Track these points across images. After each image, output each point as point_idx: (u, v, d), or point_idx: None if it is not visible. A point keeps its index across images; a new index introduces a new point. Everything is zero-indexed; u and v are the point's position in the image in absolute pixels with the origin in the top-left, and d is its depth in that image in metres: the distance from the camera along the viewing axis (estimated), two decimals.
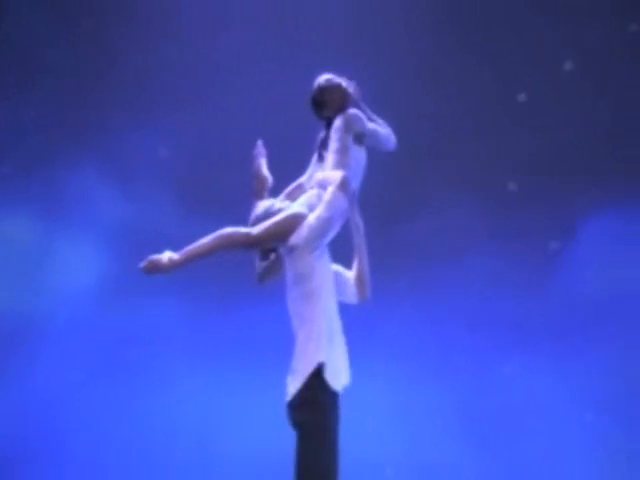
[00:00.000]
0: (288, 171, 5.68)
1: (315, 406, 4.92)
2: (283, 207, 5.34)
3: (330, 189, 5.20)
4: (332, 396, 4.97)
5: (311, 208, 5.24)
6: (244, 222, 5.48)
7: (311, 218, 5.17)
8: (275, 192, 5.65)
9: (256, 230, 5.18)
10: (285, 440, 4.96)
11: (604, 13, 8.91)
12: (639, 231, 8.79)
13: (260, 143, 5.77)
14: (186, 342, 8.61)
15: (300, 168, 5.69)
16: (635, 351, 8.53)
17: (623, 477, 8.33)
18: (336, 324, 5.11)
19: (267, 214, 5.31)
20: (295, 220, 5.21)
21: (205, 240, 5.07)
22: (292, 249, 5.15)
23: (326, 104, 5.59)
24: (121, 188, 8.86)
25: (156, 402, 8.56)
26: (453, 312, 8.59)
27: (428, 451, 8.43)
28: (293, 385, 4.97)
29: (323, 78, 5.65)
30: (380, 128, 5.66)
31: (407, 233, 8.76)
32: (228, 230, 5.13)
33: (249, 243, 5.17)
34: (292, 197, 5.60)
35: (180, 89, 9.00)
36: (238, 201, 5.82)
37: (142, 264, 4.99)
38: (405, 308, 8.59)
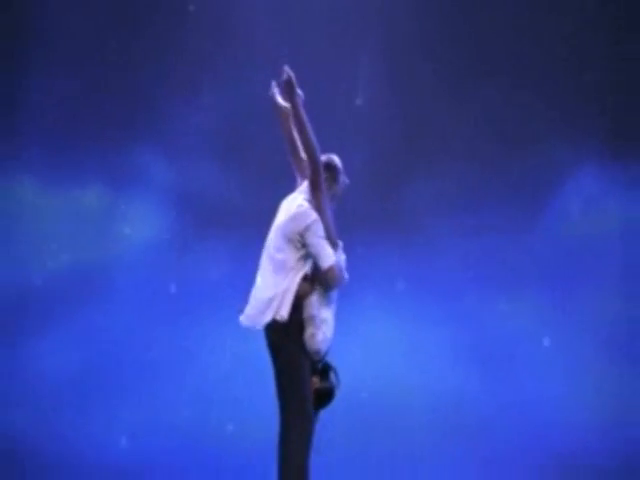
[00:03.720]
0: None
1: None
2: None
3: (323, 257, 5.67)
4: None
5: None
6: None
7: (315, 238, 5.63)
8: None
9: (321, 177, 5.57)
10: None
11: None
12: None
13: (274, 84, 5.88)
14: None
15: None
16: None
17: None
18: None
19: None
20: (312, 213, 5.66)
21: (309, 125, 5.46)
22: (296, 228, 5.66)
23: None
24: (170, 160, 9.33)
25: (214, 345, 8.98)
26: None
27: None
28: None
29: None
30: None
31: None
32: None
33: (315, 166, 5.53)
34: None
35: (222, 65, 9.34)
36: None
37: (288, 74, 5.34)
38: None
